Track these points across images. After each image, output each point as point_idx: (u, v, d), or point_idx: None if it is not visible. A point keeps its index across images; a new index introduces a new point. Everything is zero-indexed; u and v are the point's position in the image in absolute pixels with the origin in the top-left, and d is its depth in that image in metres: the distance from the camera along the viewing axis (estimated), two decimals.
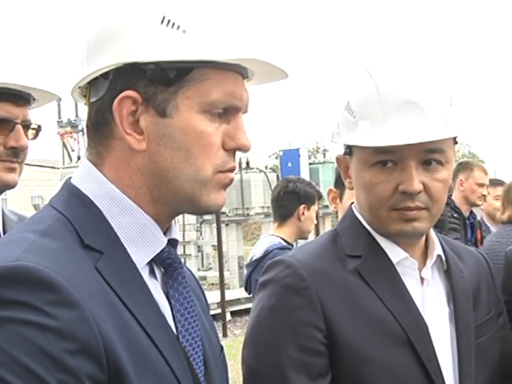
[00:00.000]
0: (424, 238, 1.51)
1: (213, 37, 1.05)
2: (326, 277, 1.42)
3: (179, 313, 1.12)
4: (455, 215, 4.87)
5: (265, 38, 1.11)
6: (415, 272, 1.47)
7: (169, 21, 1.05)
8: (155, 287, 1.10)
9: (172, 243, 1.14)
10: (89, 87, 1.11)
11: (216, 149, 1.08)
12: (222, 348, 1.28)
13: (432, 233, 1.54)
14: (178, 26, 1.05)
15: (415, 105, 1.39)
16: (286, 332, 1.38)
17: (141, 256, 1.08)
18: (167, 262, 1.13)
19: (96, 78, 1.09)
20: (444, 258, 1.52)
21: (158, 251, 1.10)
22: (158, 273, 1.12)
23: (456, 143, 1.50)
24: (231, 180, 1.12)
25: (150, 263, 1.11)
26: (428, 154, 1.40)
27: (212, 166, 1.08)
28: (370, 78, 1.44)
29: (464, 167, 5.20)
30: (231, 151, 1.11)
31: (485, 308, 1.55)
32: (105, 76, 1.07)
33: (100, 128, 1.09)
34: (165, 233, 1.13)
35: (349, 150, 1.50)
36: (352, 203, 1.58)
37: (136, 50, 1.04)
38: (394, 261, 1.46)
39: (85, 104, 1.13)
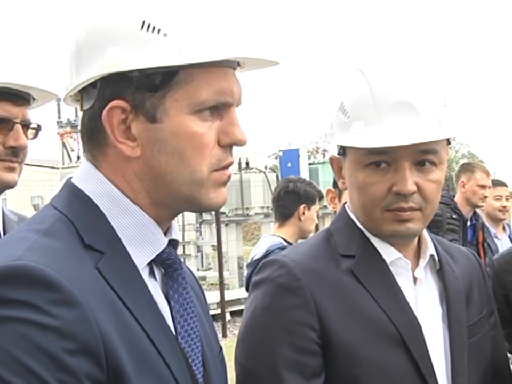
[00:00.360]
0: (417, 238, 1.52)
1: (194, 37, 1.04)
2: (320, 277, 1.42)
3: (178, 314, 1.12)
4: (454, 216, 4.88)
5: (248, 30, 1.09)
6: (408, 272, 1.48)
7: (149, 26, 1.04)
8: (155, 288, 1.10)
9: (172, 244, 1.14)
10: (81, 94, 1.11)
11: (211, 147, 1.07)
12: (221, 348, 1.28)
13: (425, 233, 1.55)
14: (159, 30, 1.03)
15: (409, 106, 1.39)
16: (280, 332, 1.38)
17: (141, 257, 1.08)
18: (167, 263, 1.13)
19: (85, 87, 1.09)
20: (436, 258, 1.53)
21: (159, 252, 1.10)
22: (158, 273, 1.13)
23: (449, 143, 1.51)
24: (229, 177, 1.12)
25: (150, 264, 1.11)
26: (422, 155, 1.41)
27: (207, 165, 1.07)
28: (364, 79, 1.45)
29: (466, 168, 5.21)
30: (227, 147, 1.10)
31: (477, 307, 1.56)
32: (93, 85, 1.07)
33: (93, 136, 1.10)
34: (165, 234, 1.13)
35: (343, 150, 1.50)
36: (345, 203, 1.58)
37: (119, 59, 1.03)
38: (387, 261, 1.47)
39: (80, 110, 1.13)
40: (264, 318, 1.41)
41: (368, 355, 1.37)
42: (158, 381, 1.02)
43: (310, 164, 16.50)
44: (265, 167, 16.37)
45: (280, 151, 16.33)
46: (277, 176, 15.37)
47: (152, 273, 1.11)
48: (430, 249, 1.52)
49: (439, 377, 1.42)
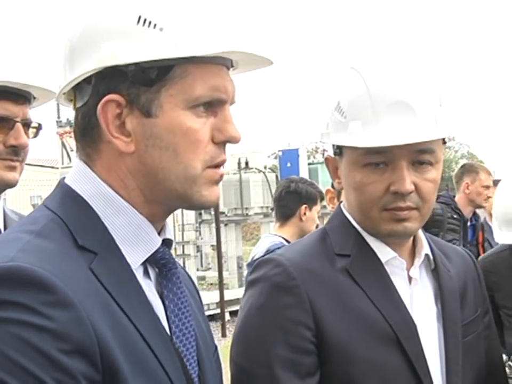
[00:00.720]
0: (412, 237, 1.53)
1: (190, 32, 1.05)
2: (315, 276, 1.43)
3: (173, 313, 1.12)
4: (455, 216, 4.90)
5: (244, 27, 1.10)
6: (403, 272, 1.49)
7: (145, 20, 1.04)
8: (149, 288, 1.10)
9: (166, 243, 1.14)
10: (74, 92, 1.11)
11: (205, 144, 1.07)
12: (216, 347, 1.28)
13: (420, 233, 1.55)
14: (155, 25, 1.04)
15: (406, 105, 1.40)
16: (275, 331, 1.38)
17: (135, 257, 1.08)
18: (161, 262, 1.13)
19: (79, 83, 1.08)
20: (431, 257, 1.53)
21: (153, 251, 1.10)
22: (152, 273, 1.12)
23: (445, 143, 1.51)
24: (221, 176, 1.11)
25: (144, 263, 1.11)
26: (419, 155, 1.41)
27: (201, 162, 1.07)
28: (360, 78, 1.45)
29: (469, 170, 5.21)
30: (221, 144, 1.10)
31: (471, 307, 1.56)
32: (87, 80, 1.07)
33: (87, 133, 1.09)
34: (159, 233, 1.13)
35: (339, 150, 1.50)
36: (341, 202, 1.59)
37: (115, 53, 1.03)
38: (383, 260, 1.47)
39: (73, 109, 1.13)
40: (259, 317, 1.41)
41: (363, 354, 1.38)
42: (152, 381, 1.02)
43: (309, 164, 16.51)
44: (265, 167, 16.38)
45: (279, 151, 16.33)
46: (277, 176, 15.37)
47: (146, 273, 1.11)
48: (425, 248, 1.52)
49: (434, 376, 1.43)
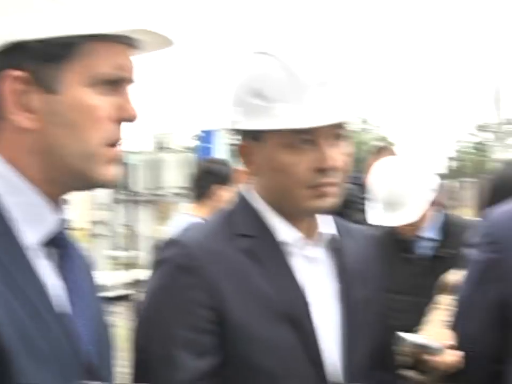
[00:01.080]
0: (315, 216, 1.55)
1: (94, 9, 1.05)
2: (217, 256, 1.44)
3: (73, 293, 1.11)
4: (364, 197, 5.02)
5: (149, 7, 1.11)
6: (303, 251, 1.51)
7: None
8: (47, 268, 1.08)
9: (63, 223, 1.13)
10: None
11: (105, 122, 1.07)
12: (108, 326, 1.27)
13: None
14: (59, 1, 1.03)
15: (327, 85, 1.44)
16: (176, 311, 1.39)
17: (32, 237, 1.06)
18: (59, 243, 1.12)
19: None
20: (332, 236, 1.56)
21: (50, 231, 1.09)
22: (50, 253, 1.11)
23: None
24: (119, 154, 1.12)
25: (43, 244, 1.09)
26: (338, 130, 1.46)
27: (99, 139, 1.07)
28: (277, 62, 1.46)
29: (375, 151, 5.45)
30: (118, 123, 1.10)
31: (370, 285, 1.61)
32: None
33: None
34: (56, 213, 1.11)
35: (258, 135, 1.49)
36: (243, 185, 1.60)
37: (18, 28, 1.02)
38: (283, 240, 1.49)
39: None
40: (161, 298, 1.42)
41: (260, 334, 1.40)
42: (47, 363, 1.00)
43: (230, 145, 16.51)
44: (183, 148, 16.29)
45: (201, 131, 16.26)
46: (195, 157, 15.32)
47: (44, 253, 1.09)
48: (326, 227, 1.55)
49: (329, 354, 1.46)
